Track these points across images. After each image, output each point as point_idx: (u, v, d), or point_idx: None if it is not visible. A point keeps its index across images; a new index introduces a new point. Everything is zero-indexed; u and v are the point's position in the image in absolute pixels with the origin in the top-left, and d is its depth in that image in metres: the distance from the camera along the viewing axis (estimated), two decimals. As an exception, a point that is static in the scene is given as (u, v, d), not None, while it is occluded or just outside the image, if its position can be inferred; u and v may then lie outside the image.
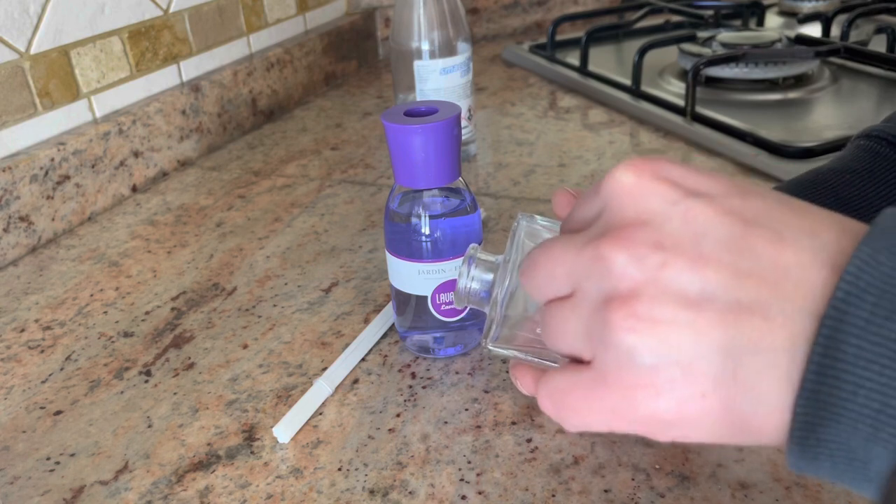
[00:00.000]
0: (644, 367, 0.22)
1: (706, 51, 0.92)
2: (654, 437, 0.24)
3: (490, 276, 0.36)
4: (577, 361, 0.26)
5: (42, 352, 0.51)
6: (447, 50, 0.70)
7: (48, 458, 0.41)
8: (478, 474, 0.38)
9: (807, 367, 0.20)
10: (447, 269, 0.44)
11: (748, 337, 0.21)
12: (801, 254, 0.21)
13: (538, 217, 0.34)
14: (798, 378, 0.20)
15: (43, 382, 0.48)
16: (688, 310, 0.21)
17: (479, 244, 0.45)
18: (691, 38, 0.96)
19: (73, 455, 0.41)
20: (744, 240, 0.21)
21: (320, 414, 0.43)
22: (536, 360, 0.33)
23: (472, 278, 0.36)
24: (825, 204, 0.39)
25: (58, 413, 0.45)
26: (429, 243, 0.44)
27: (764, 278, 0.21)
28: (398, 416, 0.42)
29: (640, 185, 0.23)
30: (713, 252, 0.21)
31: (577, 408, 0.25)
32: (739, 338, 0.21)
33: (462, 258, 0.37)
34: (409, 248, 0.44)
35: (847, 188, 0.40)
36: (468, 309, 0.45)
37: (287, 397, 0.44)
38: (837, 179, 0.41)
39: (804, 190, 0.41)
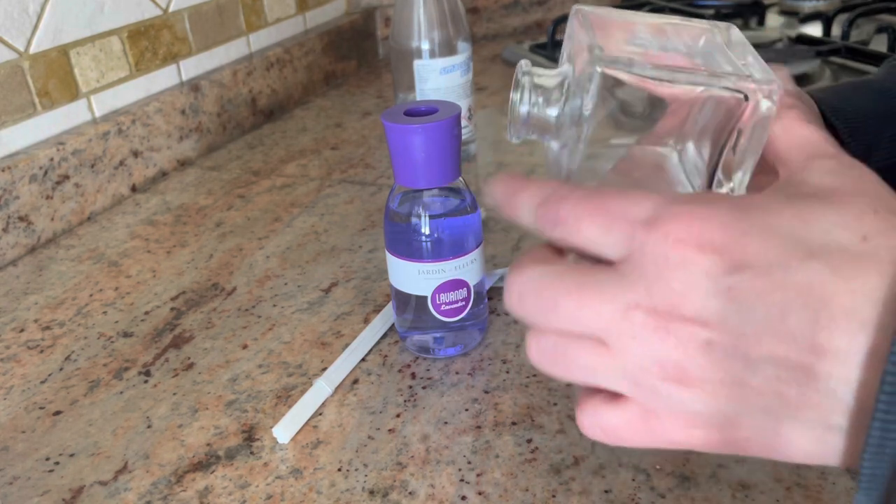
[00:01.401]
0: (697, 413, 0.24)
1: (706, 50, 0.91)
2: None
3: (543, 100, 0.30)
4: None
5: (41, 352, 0.51)
6: (447, 49, 0.70)
7: (47, 459, 0.41)
8: (478, 475, 0.38)
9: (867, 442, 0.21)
10: (447, 269, 0.44)
11: (792, 403, 0.22)
12: (841, 339, 0.22)
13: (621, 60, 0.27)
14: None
15: (42, 382, 0.48)
16: (732, 383, 0.23)
17: (480, 244, 0.45)
18: (691, 38, 0.96)
19: (72, 455, 0.41)
20: (782, 323, 0.22)
21: (320, 414, 0.43)
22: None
23: (535, 104, 0.30)
24: (870, 107, 0.39)
25: (57, 413, 0.45)
26: (429, 243, 0.43)
27: (800, 363, 0.22)
28: (398, 416, 0.42)
29: (683, 257, 0.23)
30: (755, 333, 0.22)
31: (633, 439, 0.25)
32: (781, 404, 0.22)
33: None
34: (409, 248, 0.44)
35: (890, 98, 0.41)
36: (468, 309, 0.45)
37: (287, 397, 0.44)
38: (880, 86, 0.42)
39: (849, 92, 0.41)
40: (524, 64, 0.30)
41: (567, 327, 0.25)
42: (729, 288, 0.22)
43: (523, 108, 0.30)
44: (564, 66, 0.30)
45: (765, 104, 0.27)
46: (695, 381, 0.23)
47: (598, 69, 0.26)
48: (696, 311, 0.23)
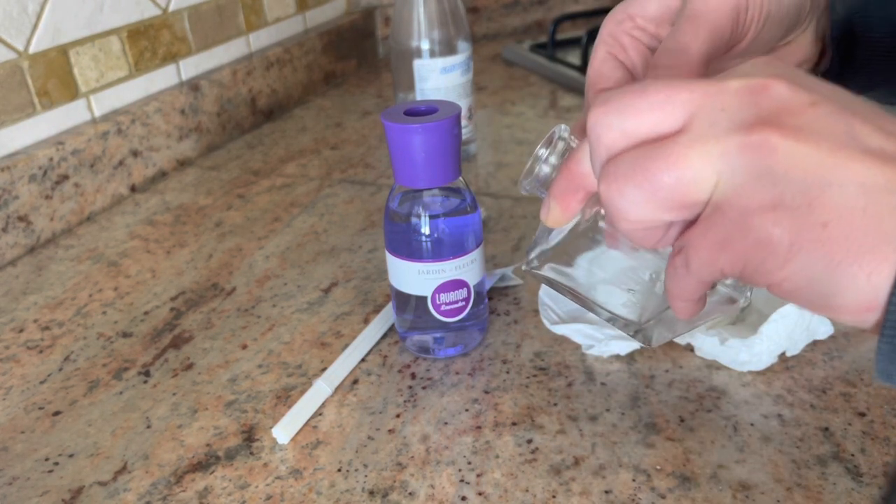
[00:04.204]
0: (771, 185, 0.22)
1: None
2: (753, 276, 0.23)
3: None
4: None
5: (41, 352, 0.51)
6: (447, 49, 0.70)
7: (47, 459, 0.41)
8: (478, 475, 0.38)
9: None
10: (447, 269, 0.44)
11: (889, 178, 0.21)
12: None
13: None
14: None
15: (42, 383, 0.48)
16: (832, 141, 0.22)
17: (480, 244, 0.45)
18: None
19: (71, 456, 0.41)
20: (888, 117, 0.22)
21: (320, 414, 0.43)
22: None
23: (551, 164, 0.32)
24: None
25: (56, 413, 0.45)
26: (429, 243, 0.43)
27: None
28: (398, 416, 0.42)
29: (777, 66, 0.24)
30: (860, 110, 0.22)
31: (694, 244, 0.24)
32: (880, 177, 0.21)
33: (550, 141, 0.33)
34: (408, 247, 0.44)
35: None
36: (468, 309, 0.45)
37: (286, 398, 0.44)
38: None
39: None
40: (564, 129, 0.32)
41: (651, 120, 0.24)
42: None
43: (546, 169, 0.32)
44: None
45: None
46: (790, 134, 0.22)
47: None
48: (800, 82, 0.23)
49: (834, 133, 0.22)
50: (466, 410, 0.42)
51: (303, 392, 0.44)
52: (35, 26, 0.67)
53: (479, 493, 0.36)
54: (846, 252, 0.21)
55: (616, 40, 0.35)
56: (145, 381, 0.47)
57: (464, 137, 0.74)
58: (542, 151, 0.32)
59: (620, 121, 0.25)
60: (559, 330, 0.46)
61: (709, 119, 0.23)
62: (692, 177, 0.23)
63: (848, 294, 0.22)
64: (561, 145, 0.32)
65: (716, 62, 0.32)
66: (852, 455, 0.37)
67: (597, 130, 0.26)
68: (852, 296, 0.22)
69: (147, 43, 0.79)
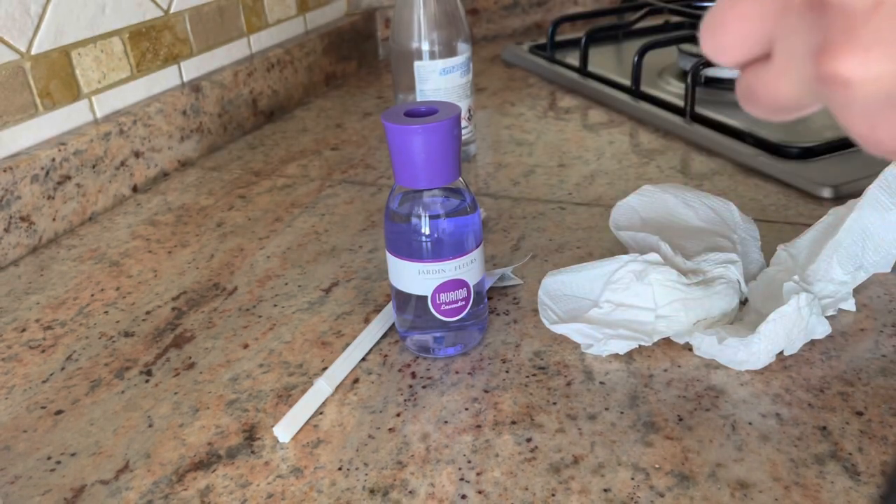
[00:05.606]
0: (861, 116, 0.21)
1: (706, 51, 0.91)
2: None
3: None
4: None
5: (43, 351, 0.51)
6: (447, 50, 0.70)
7: (49, 458, 0.41)
8: (478, 474, 0.38)
9: None
10: (447, 269, 0.44)
11: None
12: None
13: None
14: None
15: (44, 382, 0.48)
16: None
17: (480, 244, 0.45)
18: (691, 39, 0.96)
19: (73, 454, 0.42)
20: None
21: (321, 413, 0.43)
22: None
23: None
24: None
25: (59, 413, 0.45)
26: (429, 243, 0.44)
27: None
28: (398, 415, 0.42)
29: None
30: None
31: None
32: None
33: None
34: (409, 248, 0.44)
35: None
36: (468, 309, 0.45)
37: (287, 397, 0.45)
38: None
39: None
40: None
41: (742, 54, 0.23)
42: None
43: None
44: None
45: None
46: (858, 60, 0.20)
47: None
48: None
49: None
50: (466, 409, 0.42)
51: (304, 391, 0.45)
52: (37, 27, 0.67)
53: (479, 492, 0.37)
54: None
55: None
56: (147, 381, 0.47)
57: (463, 138, 0.75)
58: None
59: (717, 57, 0.24)
60: (558, 329, 0.47)
61: (788, 47, 0.22)
62: (794, 103, 0.23)
63: None
64: None
65: None
66: (850, 454, 0.37)
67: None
68: None
69: (149, 44, 0.80)
